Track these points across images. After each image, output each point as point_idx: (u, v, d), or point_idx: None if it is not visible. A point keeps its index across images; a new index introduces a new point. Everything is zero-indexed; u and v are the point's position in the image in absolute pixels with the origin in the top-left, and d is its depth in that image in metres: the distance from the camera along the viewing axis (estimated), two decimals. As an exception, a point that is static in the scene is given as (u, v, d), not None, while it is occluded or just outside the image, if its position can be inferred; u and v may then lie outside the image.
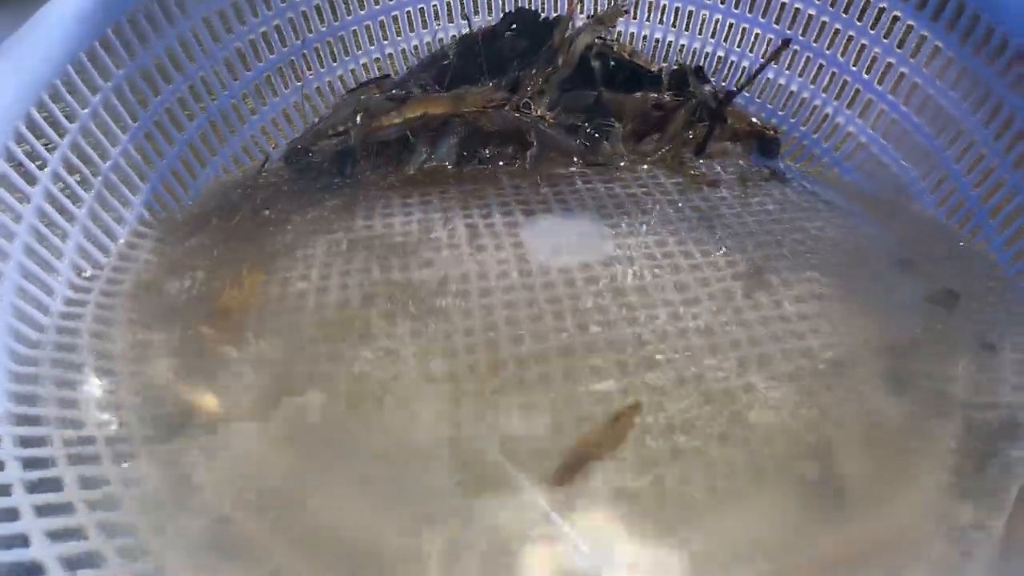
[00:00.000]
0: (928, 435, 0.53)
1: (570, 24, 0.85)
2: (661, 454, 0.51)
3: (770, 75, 0.87)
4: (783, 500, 0.50)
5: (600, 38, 0.86)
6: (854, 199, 0.77)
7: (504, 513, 0.49)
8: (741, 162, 0.81)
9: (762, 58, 0.86)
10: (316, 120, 0.85)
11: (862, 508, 0.50)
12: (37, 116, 0.59)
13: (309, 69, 0.87)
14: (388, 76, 0.91)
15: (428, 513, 0.49)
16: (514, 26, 0.88)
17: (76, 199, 0.63)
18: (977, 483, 0.51)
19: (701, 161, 0.80)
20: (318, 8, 0.85)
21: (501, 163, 0.78)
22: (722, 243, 0.68)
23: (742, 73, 0.90)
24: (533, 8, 0.93)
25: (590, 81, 0.83)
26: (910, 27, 0.75)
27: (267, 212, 0.72)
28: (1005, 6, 0.68)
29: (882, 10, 0.77)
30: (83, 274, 0.63)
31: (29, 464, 0.49)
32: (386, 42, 0.91)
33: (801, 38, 0.84)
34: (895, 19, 0.76)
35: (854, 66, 0.81)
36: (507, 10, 0.94)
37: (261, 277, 0.64)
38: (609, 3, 0.93)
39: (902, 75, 0.77)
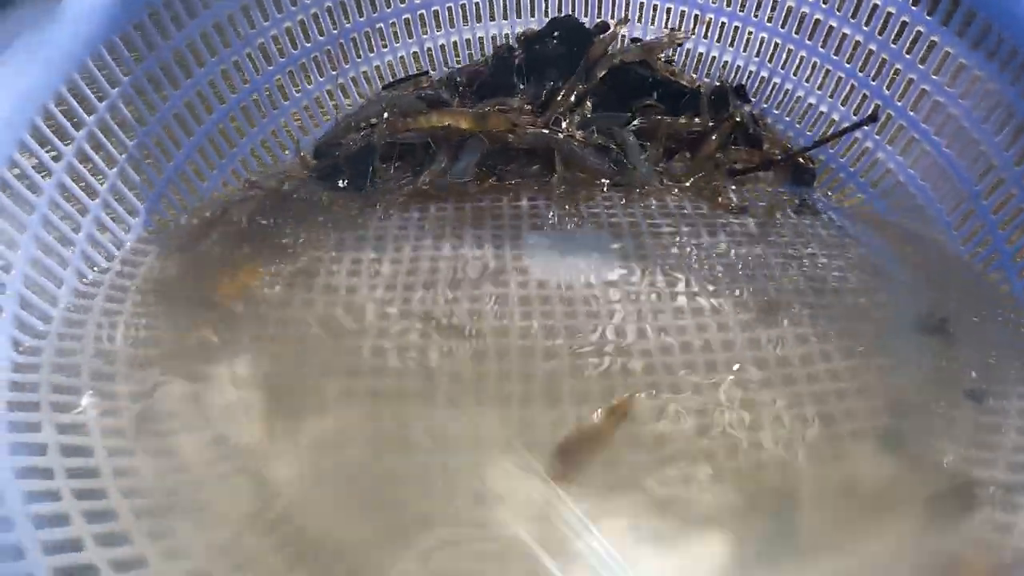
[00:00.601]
0: (908, 498, 0.52)
1: (612, 43, 0.84)
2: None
3: (812, 100, 0.85)
4: (740, 540, 0.49)
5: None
6: (884, 237, 0.75)
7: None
8: (771, 188, 0.79)
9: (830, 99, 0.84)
10: (347, 113, 0.85)
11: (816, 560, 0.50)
12: (41, 124, 0.59)
13: (335, 66, 0.86)
14: (427, 73, 0.90)
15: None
16: (556, 33, 0.87)
17: (87, 197, 0.64)
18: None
19: (732, 186, 0.78)
20: (343, 5, 0.85)
21: (524, 179, 0.77)
22: (736, 278, 0.67)
23: (796, 101, 0.87)
24: (577, 16, 0.92)
25: (625, 97, 0.82)
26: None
27: (277, 219, 0.72)
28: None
29: (933, 43, 0.74)
30: (85, 280, 0.63)
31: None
32: (425, 36, 0.91)
33: (846, 65, 0.81)
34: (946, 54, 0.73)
35: (899, 100, 0.78)
36: (550, 14, 0.93)
37: (259, 272, 0.65)
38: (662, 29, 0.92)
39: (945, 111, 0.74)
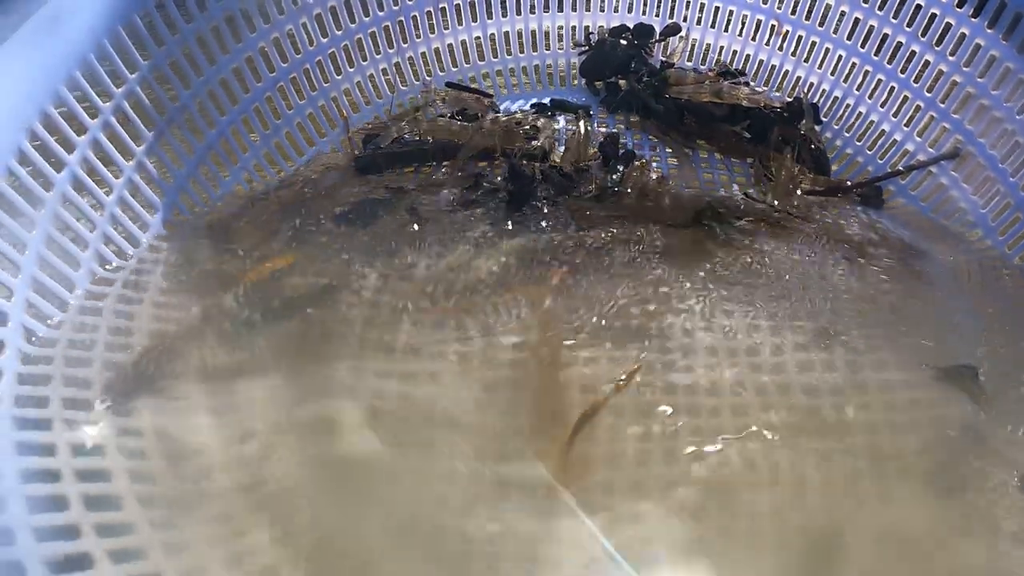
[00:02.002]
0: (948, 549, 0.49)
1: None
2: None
3: (885, 126, 0.80)
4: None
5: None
6: (947, 269, 0.70)
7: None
8: (838, 210, 0.75)
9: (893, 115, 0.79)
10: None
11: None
12: (53, 112, 0.57)
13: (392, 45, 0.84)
14: (490, 96, 0.88)
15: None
16: (626, 35, 0.87)
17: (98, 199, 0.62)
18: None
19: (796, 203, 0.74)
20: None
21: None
22: (792, 302, 0.63)
23: (868, 126, 0.83)
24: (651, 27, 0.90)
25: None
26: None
27: (311, 213, 0.70)
28: None
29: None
30: (107, 266, 0.62)
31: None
32: (490, 21, 0.88)
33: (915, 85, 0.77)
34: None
35: (981, 138, 0.73)
36: (619, 11, 0.90)
37: (290, 259, 0.63)
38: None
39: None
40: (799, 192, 0.76)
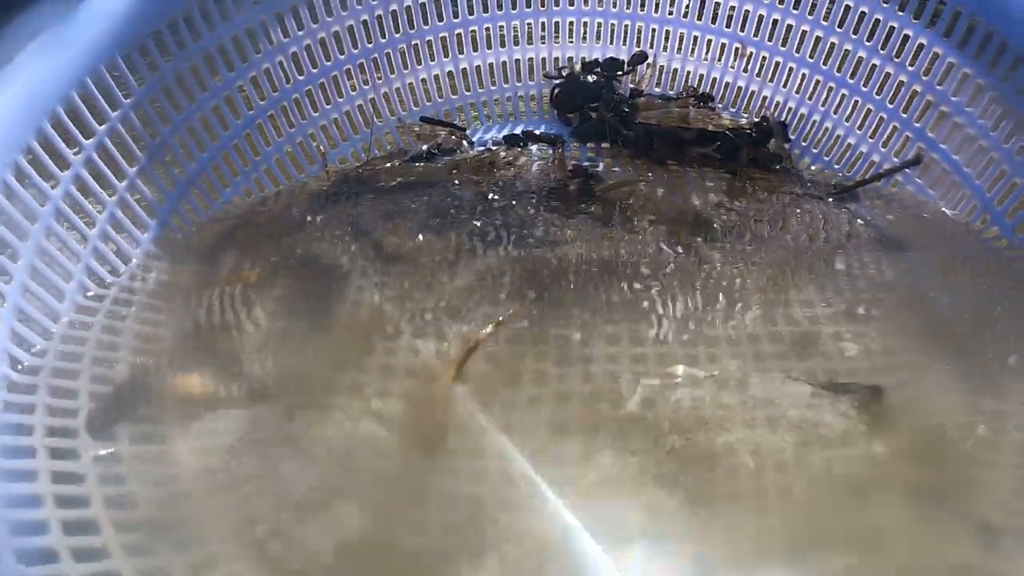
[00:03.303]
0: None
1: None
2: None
3: (851, 140, 0.83)
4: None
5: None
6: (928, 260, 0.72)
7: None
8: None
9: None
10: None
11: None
12: (49, 129, 0.59)
13: (367, 81, 0.86)
14: (464, 130, 0.90)
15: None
16: (596, 70, 0.91)
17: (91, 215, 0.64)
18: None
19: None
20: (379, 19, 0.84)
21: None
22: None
23: (835, 140, 0.85)
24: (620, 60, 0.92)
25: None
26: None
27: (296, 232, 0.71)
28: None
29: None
30: (88, 294, 0.63)
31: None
32: (461, 56, 0.90)
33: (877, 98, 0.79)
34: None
35: (944, 144, 0.76)
36: (587, 40, 0.92)
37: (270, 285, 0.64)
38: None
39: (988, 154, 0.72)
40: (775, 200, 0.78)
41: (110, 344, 0.60)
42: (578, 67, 0.92)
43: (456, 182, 0.79)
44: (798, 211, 0.76)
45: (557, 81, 0.92)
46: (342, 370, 0.60)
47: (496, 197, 0.77)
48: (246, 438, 0.55)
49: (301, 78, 0.79)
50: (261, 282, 0.65)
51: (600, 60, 0.93)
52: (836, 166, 0.84)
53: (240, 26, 0.73)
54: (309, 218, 0.73)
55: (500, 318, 0.63)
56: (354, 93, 0.84)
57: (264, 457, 0.54)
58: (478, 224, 0.73)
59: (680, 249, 0.71)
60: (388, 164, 0.82)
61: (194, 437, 0.55)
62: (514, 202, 0.76)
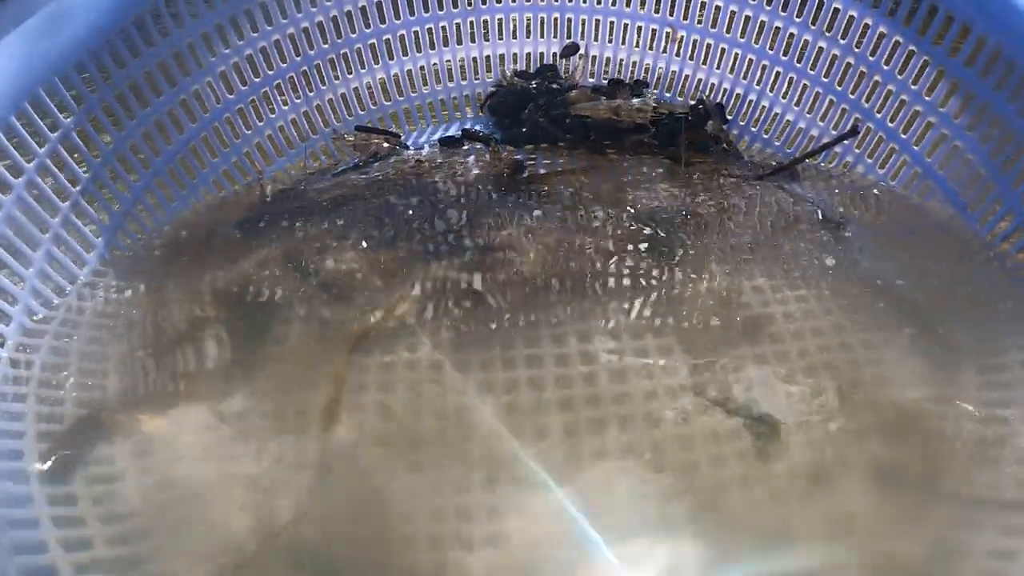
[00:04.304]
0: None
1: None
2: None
3: (789, 117, 0.84)
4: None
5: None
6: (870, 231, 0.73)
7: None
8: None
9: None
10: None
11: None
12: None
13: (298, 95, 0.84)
14: (398, 136, 0.88)
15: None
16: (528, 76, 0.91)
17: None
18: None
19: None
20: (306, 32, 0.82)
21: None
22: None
23: (773, 118, 0.86)
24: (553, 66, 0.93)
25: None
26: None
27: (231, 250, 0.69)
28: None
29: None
30: (35, 318, 0.61)
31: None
32: (392, 62, 0.88)
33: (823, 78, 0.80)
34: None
35: (878, 113, 0.77)
36: (518, 37, 0.91)
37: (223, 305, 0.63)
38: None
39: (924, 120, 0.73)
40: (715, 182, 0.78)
41: (56, 379, 0.58)
42: (510, 73, 0.92)
43: (394, 188, 0.78)
44: (739, 192, 0.76)
45: (491, 89, 0.91)
46: (292, 393, 0.58)
47: (435, 199, 0.75)
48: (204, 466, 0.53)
49: (231, 96, 0.77)
50: (202, 304, 0.63)
51: (532, 64, 0.93)
52: (776, 143, 0.85)
53: (165, 51, 0.71)
54: (245, 236, 0.71)
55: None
56: (286, 108, 0.82)
57: (224, 486, 0.52)
58: (418, 228, 0.72)
59: (622, 235, 0.70)
60: (324, 176, 0.80)
61: (149, 472, 0.52)
62: (454, 202, 0.75)
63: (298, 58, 0.81)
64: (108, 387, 0.57)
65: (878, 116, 0.77)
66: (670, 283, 0.65)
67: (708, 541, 0.49)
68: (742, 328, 0.62)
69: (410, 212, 0.74)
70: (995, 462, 0.51)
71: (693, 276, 0.66)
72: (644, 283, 0.65)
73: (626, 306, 0.63)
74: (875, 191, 0.76)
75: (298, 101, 0.83)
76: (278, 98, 0.81)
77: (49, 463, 0.52)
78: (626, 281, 0.66)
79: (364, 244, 0.71)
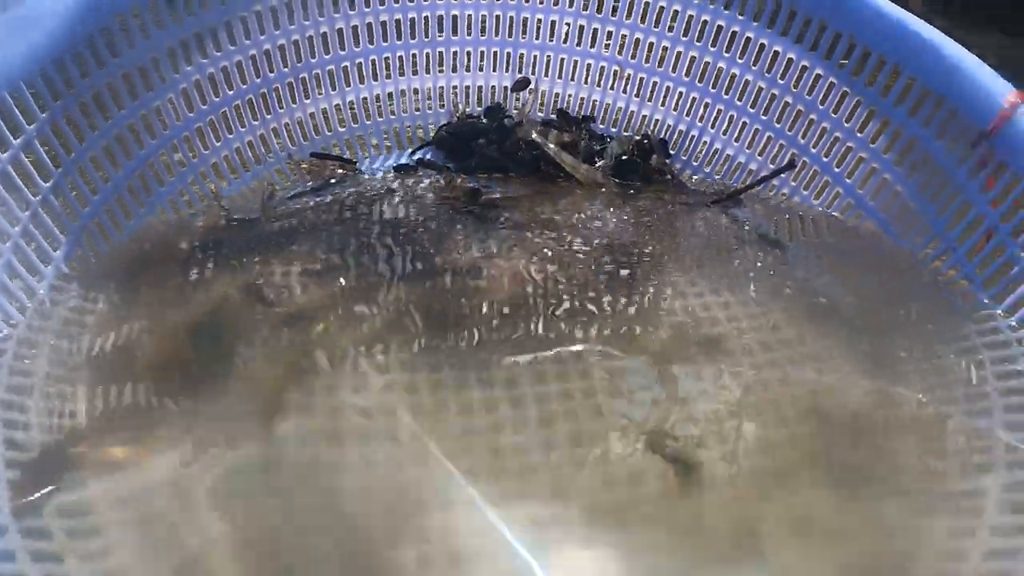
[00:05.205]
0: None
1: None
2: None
3: (729, 151, 0.88)
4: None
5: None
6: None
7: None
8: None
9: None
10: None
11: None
12: None
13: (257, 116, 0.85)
14: (353, 163, 0.90)
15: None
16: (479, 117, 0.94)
17: None
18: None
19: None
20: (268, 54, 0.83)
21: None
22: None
23: (714, 153, 0.90)
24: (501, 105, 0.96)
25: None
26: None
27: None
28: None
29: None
30: None
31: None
32: (348, 88, 0.90)
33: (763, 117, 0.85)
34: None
35: (813, 148, 0.82)
36: (471, 70, 0.94)
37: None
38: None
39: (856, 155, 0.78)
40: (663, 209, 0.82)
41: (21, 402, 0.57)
42: (460, 110, 0.95)
43: (350, 213, 0.79)
44: (686, 218, 0.80)
45: (443, 122, 0.94)
46: (244, 418, 0.58)
47: (390, 225, 0.77)
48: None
49: (192, 115, 0.78)
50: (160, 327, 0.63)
51: (484, 97, 0.96)
52: (716, 177, 0.89)
53: (130, 64, 0.71)
54: (201, 258, 0.71)
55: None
56: (244, 130, 0.83)
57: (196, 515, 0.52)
58: (373, 253, 0.73)
59: (578, 259, 0.73)
60: (279, 199, 0.81)
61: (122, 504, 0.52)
62: (409, 228, 0.76)
63: (258, 79, 0.82)
64: (74, 412, 0.56)
65: (813, 151, 0.82)
66: (624, 306, 0.68)
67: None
68: (698, 347, 0.65)
69: (364, 237, 0.75)
70: (939, 455, 0.55)
71: (647, 299, 0.69)
72: (598, 309, 0.68)
73: (580, 333, 0.65)
74: (812, 215, 0.81)
75: (256, 123, 0.84)
76: (236, 119, 0.82)
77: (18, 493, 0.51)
78: (580, 306, 0.68)
79: (318, 268, 0.72)
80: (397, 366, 0.61)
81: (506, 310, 0.67)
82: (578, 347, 0.63)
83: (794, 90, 0.82)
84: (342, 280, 0.70)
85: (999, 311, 0.66)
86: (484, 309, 0.67)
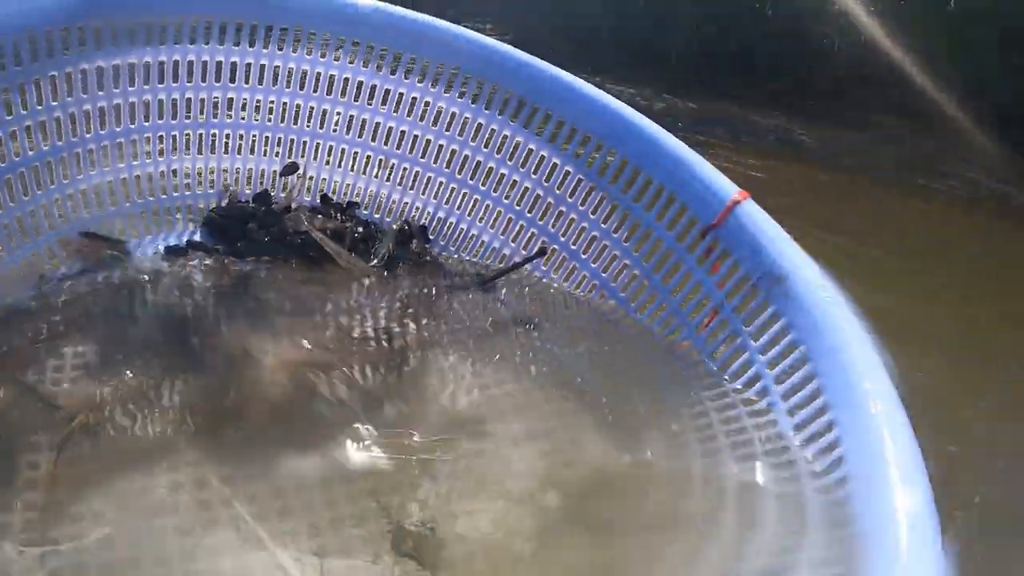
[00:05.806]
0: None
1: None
2: None
3: (485, 238, 0.98)
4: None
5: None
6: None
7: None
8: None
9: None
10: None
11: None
12: None
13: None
14: (121, 243, 0.89)
15: None
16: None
17: None
18: None
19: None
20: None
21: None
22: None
23: (470, 239, 0.99)
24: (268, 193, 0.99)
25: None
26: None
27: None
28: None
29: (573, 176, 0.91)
30: None
31: None
32: (121, 166, 0.88)
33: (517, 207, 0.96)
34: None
35: (563, 236, 0.94)
36: (243, 153, 0.97)
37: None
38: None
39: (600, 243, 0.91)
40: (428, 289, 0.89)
41: None
42: (229, 195, 0.97)
43: (119, 298, 0.79)
44: (449, 300, 0.88)
45: (212, 204, 0.96)
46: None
47: (159, 310, 0.78)
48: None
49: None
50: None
51: (253, 179, 0.98)
52: (473, 259, 0.98)
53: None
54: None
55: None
56: (13, 205, 0.79)
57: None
58: (140, 338, 0.74)
59: (349, 347, 0.79)
60: (50, 281, 0.79)
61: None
62: (178, 313, 0.78)
63: (31, 152, 0.79)
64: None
65: (562, 239, 0.93)
66: (394, 390, 0.75)
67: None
68: (461, 419, 0.74)
69: (133, 323, 0.76)
70: (685, 496, 0.67)
71: (417, 383, 0.76)
72: (367, 395, 0.74)
73: (349, 420, 0.71)
74: (563, 296, 0.93)
75: (27, 199, 0.80)
76: (5, 194, 0.79)
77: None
78: (351, 392, 0.74)
79: (85, 353, 0.72)
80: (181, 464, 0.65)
81: (281, 401, 0.71)
82: (347, 438, 0.69)
83: (545, 184, 0.93)
84: (106, 364, 0.71)
85: (725, 377, 0.80)
86: (251, 395, 0.71)
